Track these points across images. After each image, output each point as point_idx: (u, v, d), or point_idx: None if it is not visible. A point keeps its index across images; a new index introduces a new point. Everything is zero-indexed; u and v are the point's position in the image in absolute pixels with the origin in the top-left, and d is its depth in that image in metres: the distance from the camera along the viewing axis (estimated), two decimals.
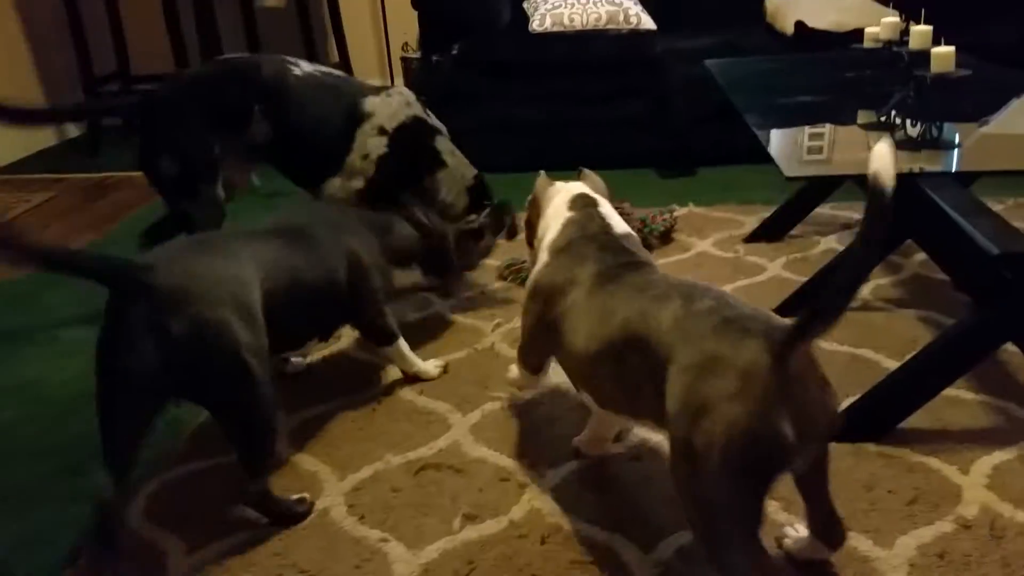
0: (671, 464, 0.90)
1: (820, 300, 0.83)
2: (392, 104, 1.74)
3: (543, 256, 1.18)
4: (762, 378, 0.83)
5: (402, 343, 1.50)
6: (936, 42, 1.64)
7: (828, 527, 1.01)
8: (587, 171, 1.33)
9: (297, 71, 1.72)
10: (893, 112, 1.61)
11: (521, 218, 1.46)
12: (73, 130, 3.63)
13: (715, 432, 0.84)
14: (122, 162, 3.17)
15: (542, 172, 1.34)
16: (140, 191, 2.83)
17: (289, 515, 1.18)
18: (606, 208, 1.22)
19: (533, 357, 1.24)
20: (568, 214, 1.21)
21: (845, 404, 1.30)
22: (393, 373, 1.57)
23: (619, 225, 1.19)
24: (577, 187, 1.27)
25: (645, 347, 0.95)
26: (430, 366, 1.55)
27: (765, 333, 0.86)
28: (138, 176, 3.05)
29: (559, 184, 1.29)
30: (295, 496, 1.20)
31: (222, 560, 1.11)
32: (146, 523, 1.20)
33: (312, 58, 3.26)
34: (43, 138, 3.49)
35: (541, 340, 1.17)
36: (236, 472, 1.15)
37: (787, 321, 0.88)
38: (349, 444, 1.36)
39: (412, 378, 1.54)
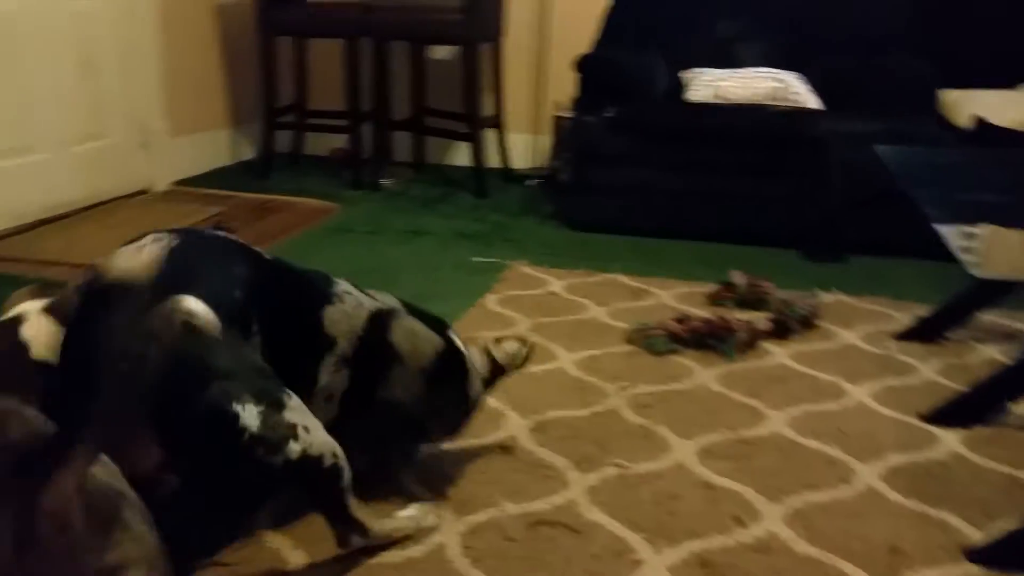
0: None
1: None
2: None
3: None
4: None
5: None
6: None
7: None
8: None
9: None
10: None
11: None
12: (249, 153, 3.93)
13: None
14: (286, 188, 3.41)
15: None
16: (299, 216, 3.04)
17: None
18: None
19: None
20: None
21: (999, 531, 1.21)
22: (514, 420, 1.59)
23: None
24: None
25: None
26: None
27: None
28: (299, 201, 3.30)
29: None
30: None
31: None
32: (269, 531, 1.26)
33: (471, 107, 3.41)
34: (222, 157, 3.81)
35: None
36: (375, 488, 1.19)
37: None
38: (469, 486, 1.38)
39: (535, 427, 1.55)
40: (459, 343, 1.37)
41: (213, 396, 0.97)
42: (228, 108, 3.83)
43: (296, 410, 1.04)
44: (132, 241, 1.11)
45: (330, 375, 1.22)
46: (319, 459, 1.04)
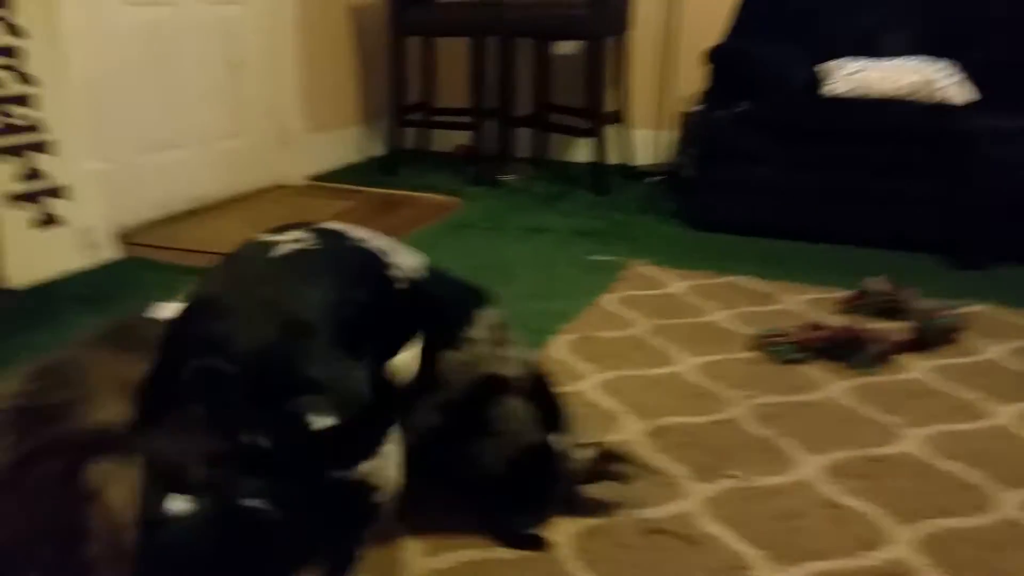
0: None
1: None
2: None
3: None
4: None
5: None
6: None
7: None
8: None
9: None
10: None
11: None
12: (378, 150, 4.06)
13: None
14: (412, 183, 3.50)
15: None
16: (423, 211, 3.11)
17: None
18: None
19: None
20: None
21: None
22: (630, 424, 1.57)
23: None
24: None
25: None
26: None
27: None
28: (423, 197, 3.39)
29: None
30: None
31: (455, 571, 1.18)
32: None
33: (594, 103, 3.38)
34: (353, 153, 3.96)
35: None
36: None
37: None
38: (583, 488, 1.38)
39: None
40: (559, 447, 1.27)
41: (298, 405, 0.93)
42: (359, 106, 3.97)
43: (392, 434, 1.01)
44: (278, 230, 1.09)
45: (424, 413, 1.18)
46: (373, 490, 0.99)
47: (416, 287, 1.12)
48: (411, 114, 3.81)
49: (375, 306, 1.06)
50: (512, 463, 1.24)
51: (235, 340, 0.93)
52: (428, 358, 1.14)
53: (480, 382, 1.20)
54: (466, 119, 3.65)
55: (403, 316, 1.11)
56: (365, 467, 0.98)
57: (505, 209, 3.14)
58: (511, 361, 1.24)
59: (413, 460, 1.06)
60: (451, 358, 1.16)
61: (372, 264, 1.09)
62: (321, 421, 0.92)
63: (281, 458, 0.94)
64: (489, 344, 1.20)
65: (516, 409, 1.23)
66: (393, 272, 1.10)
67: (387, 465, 1.01)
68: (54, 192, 2.35)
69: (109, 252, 2.48)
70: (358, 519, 1.03)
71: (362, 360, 1.02)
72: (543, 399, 1.27)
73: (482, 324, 1.20)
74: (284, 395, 0.93)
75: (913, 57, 2.87)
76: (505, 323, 1.23)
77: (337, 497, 0.99)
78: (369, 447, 0.98)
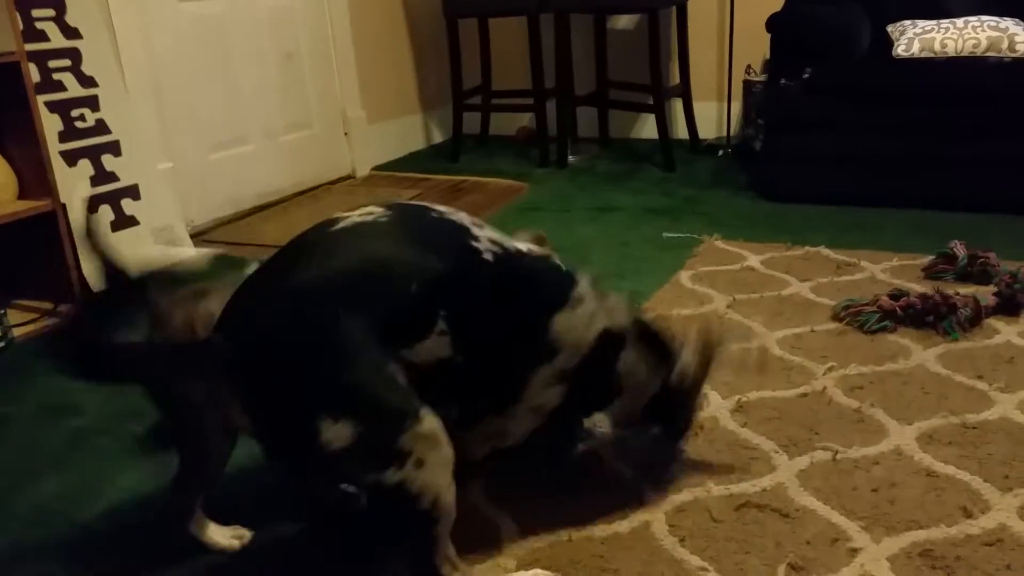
0: None
1: None
2: None
3: None
4: None
5: None
6: None
7: None
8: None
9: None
10: None
11: None
12: (439, 136, 4.10)
13: None
14: (476, 168, 3.53)
15: None
16: (490, 196, 3.13)
17: None
18: None
19: None
20: None
21: None
22: (714, 400, 1.57)
23: None
24: None
25: None
26: None
27: None
28: (489, 182, 3.41)
29: None
30: None
31: (550, 548, 1.20)
32: (484, 500, 1.33)
33: (655, 77, 3.34)
34: (415, 142, 4.00)
35: None
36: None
37: None
38: (670, 465, 1.39)
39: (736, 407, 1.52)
40: (681, 381, 1.27)
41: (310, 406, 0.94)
42: (418, 94, 4.01)
43: (422, 439, 0.97)
44: (355, 209, 1.12)
45: (542, 387, 1.16)
46: (416, 497, 0.98)
47: (508, 256, 1.12)
48: (470, 98, 3.84)
49: (452, 274, 1.04)
50: (643, 412, 1.28)
51: (250, 319, 0.98)
52: (536, 325, 1.13)
53: (600, 337, 1.18)
54: (526, 101, 3.65)
55: (495, 280, 1.09)
56: (395, 475, 0.97)
57: (573, 190, 3.14)
58: (618, 311, 1.23)
59: (530, 444, 1.07)
60: (563, 320, 1.15)
61: (454, 234, 1.09)
62: (336, 432, 0.93)
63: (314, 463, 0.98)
64: (596, 298, 1.20)
65: (636, 361, 1.24)
66: (477, 244, 1.09)
67: (423, 475, 0.98)
68: (126, 193, 2.43)
69: (189, 249, 2.56)
70: (408, 525, 1.03)
71: (435, 335, 1.02)
72: (653, 341, 1.26)
73: (584, 281, 1.20)
74: (308, 403, 0.94)
75: (982, 16, 2.76)
76: (597, 278, 1.24)
77: (381, 500, 1.01)
78: (390, 454, 0.96)
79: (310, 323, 0.95)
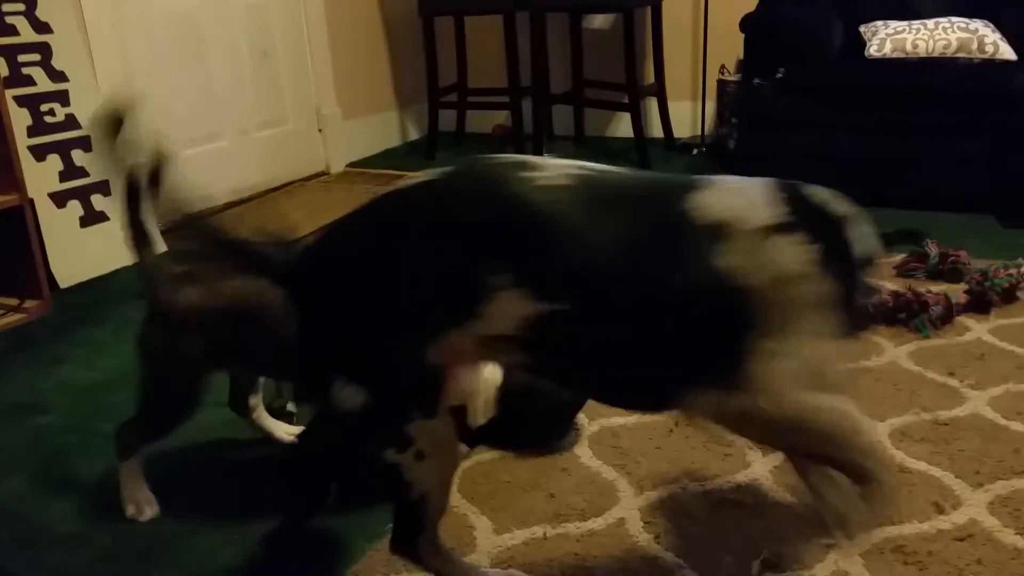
0: None
1: None
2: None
3: None
4: None
5: None
6: None
7: None
8: None
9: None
10: None
11: None
12: (415, 133, 4.08)
13: None
14: (453, 165, 3.50)
15: None
16: None
17: None
18: None
19: None
20: None
21: None
22: None
23: None
24: None
25: None
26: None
27: None
28: None
29: None
30: None
31: (525, 547, 1.19)
32: (458, 498, 1.32)
33: (630, 76, 3.35)
34: (391, 138, 3.97)
35: None
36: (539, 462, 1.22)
37: None
38: (646, 461, 1.39)
39: None
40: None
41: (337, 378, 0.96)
42: (394, 90, 3.99)
43: (429, 435, 0.97)
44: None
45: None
46: (406, 485, 0.99)
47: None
48: (446, 96, 3.82)
49: (502, 224, 0.93)
50: None
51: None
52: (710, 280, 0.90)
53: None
54: (502, 99, 3.64)
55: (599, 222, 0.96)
56: (393, 457, 0.97)
57: None
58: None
59: None
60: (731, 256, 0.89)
61: (502, 175, 1.00)
62: (347, 394, 0.95)
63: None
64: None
65: None
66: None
67: (419, 468, 0.98)
68: (96, 188, 2.38)
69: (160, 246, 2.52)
70: (396, 505, 1.04)
71: (490, 297, 0.89)
72: None
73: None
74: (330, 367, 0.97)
75: (952, 17, 2.79)
76: None
77: (376, 473, 1.02)
78: (393, 436, 0.97)
79: (352, 284, 0.93)
